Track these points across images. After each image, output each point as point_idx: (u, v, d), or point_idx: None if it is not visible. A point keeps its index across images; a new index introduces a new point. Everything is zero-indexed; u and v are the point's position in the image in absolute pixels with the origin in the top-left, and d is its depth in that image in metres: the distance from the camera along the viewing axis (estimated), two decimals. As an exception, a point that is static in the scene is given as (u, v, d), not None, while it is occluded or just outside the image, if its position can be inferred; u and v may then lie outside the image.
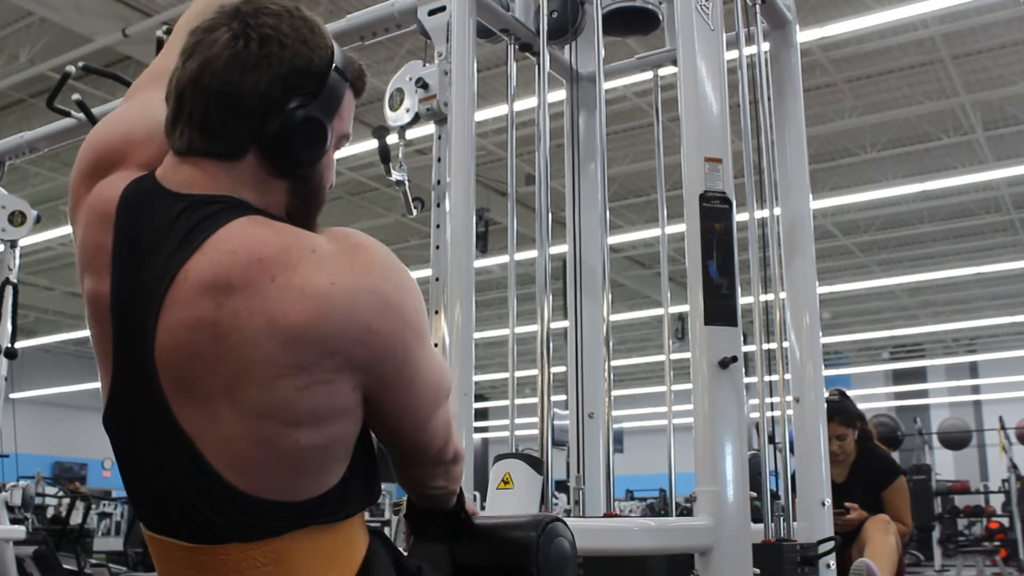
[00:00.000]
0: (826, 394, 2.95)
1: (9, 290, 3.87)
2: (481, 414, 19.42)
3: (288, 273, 0.96)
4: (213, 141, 1.05)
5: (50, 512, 11.33)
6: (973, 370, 19.46)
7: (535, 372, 2.56)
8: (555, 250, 2.85)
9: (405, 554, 1.27)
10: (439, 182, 2.49)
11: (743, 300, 2.28)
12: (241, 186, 1.05)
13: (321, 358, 0.96)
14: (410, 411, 1.08)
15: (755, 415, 2.71)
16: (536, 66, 2.79)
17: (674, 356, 2.91)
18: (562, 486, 5.49)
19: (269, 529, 1.02)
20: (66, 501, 10.21)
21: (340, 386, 0.99)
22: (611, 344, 2.64)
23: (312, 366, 0.96)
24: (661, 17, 2.99)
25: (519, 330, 2.68)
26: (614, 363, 2.70)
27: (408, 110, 2.52)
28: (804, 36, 5.68)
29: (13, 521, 4.21)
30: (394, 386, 1.04)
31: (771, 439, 2.67)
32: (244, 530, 1.02)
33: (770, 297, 2.76)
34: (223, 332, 0.96)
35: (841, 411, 3.68)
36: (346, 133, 1.13)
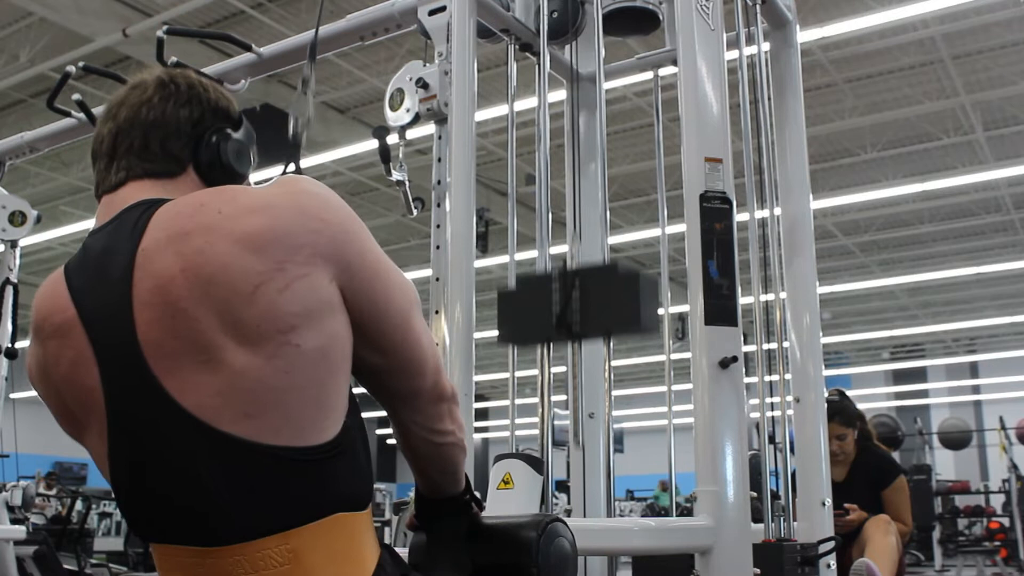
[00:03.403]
0: (825, 394, 2.95)
1: (9, 290, 3.87)
2: (481, 414, 19.42)
3: (231, 203, 1.05)
4: (152, 163, 1.17)
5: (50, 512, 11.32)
6: (973, 370, 19.46)
7: (535, 372, 2.57)
8: (555, 250, 2.85)
9: (405, 559, 1.27)
10: (439, 182, 2.49)
11: (743, 300, 2.28)
12: (175, 196, 1.13)
13: (289, 254, 1.02)
14: (386, 303, 1.11)
15: (755, 415, 2.71)
16: (536, 66, 2.79)
17: (674, 356, 2.91)
18: (562, 486, 5.49)
19: (283, 509, 1.03)
20: (66, 501, 10.21)
21: (317, 278, 1.04)
22: (611, 344, 2.64)
23: (284, 263, 1.01)
24: (661, 17, 2.99)
25: (519, 330, 2.67)
26: (614, 363, 2.70)
27: (408, 110, 2.52)
28: (804, 36, 5.68)
29: (13, 521, 4.21)
30: (362, 274, 1.09)
31: (771, 439, 2.67)
32: (258, 512, 1.02)
33: (770, 297, 2.76)
34: (194, 272, 1.01)
35: (841, 411, 3.68)
36: None
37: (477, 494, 1.34)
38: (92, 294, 1.08)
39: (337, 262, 1.06)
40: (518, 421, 2.63)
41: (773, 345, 2.79)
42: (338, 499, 1.07)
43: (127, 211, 1.11)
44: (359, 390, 1.17)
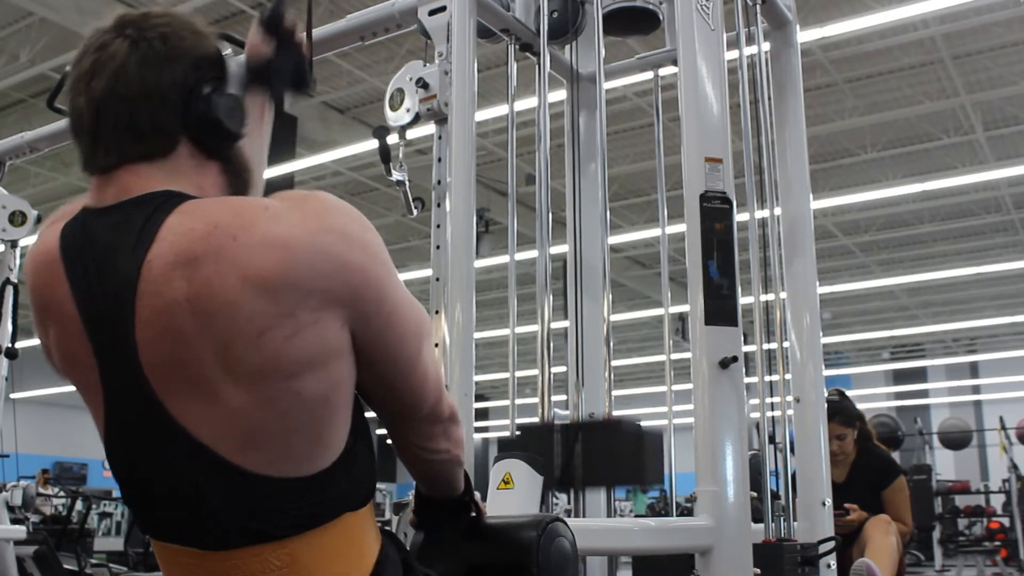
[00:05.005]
0: (825, 394, 2.95)
1: (9, 290, 3.88)
2: (481, 414, 19.42)
3: (248, 231, 0.98)
4: (143, 142, 1.07)
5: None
6: (973, 370, 19.47)
7: (535, 372, 2.57)
8: (555, 250, 2.85)
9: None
10: (439, 182, 2.49)
11: (743, 300, 2.28)
12: (177, 179, 1.08)
13: (301, 300, 0.97)
14: (397, 348, 1.09)
15: (755, 415, 2.71)
16: (536, 66, 2.79)
17: (674, 356, 2.91)
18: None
19: (280, 523, 1.02)
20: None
21: (327, 325, 1.00)
22: (611, 344, 2.65)
23: (295, 310, 0.97)
24: (661, 17, 2.99)
25: (519, 330, 2.68)
26: (614, 363, 2.70)
27: (408, 110, 2.53)
28: (804, 36, 5.67)
29: (13, 521, 4.21)
30: (376, 322, 1.04)
31: (771, 439, 2.67)
32: (256, 526, 1.02)
33: (770, 297, 2.76)
34: (200, 305, 0.96)
35: (840, 411, 3.68)
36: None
37: (477, 495, 1.33)
38: (93, 297, 1.04)
39: (352, 308, 1.01)
40: (518, 421, 2.63)
41: (773, 345, 2.79)
42: (337, 506, 1.06)
43: (134, 204, 1.04)
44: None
